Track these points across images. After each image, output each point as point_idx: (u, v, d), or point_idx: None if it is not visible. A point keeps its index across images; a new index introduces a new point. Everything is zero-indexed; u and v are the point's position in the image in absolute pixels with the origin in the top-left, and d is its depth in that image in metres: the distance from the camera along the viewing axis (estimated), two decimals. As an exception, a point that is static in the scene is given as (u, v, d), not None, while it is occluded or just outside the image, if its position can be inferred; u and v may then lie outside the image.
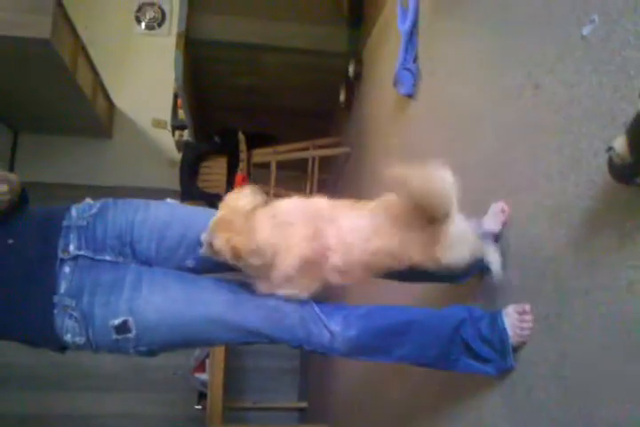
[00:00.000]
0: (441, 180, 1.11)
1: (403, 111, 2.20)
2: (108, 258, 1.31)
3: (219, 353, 3.69)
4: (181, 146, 4.03)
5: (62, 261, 1.28)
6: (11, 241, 1.28)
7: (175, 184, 4.00)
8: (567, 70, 1.14)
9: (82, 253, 1.29)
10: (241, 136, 3.24)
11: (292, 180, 4.04)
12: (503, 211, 1.37)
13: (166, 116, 4.38)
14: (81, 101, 3.96)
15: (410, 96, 2.04)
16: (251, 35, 3.18)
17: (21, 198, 1.39)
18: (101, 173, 4.61)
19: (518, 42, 1.36)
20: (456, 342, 1.30)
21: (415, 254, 1.19)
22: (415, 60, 2.06)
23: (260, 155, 3.29)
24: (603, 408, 0.99)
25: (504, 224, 1.35)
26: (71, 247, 1.30)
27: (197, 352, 3.97)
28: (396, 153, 2.34)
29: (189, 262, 1.38)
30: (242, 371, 4.55)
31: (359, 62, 3.10)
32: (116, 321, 1.24)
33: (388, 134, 2.47)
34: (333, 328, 1.32)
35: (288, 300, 1.28)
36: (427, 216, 1.16)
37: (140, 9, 4.82)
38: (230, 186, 3.28)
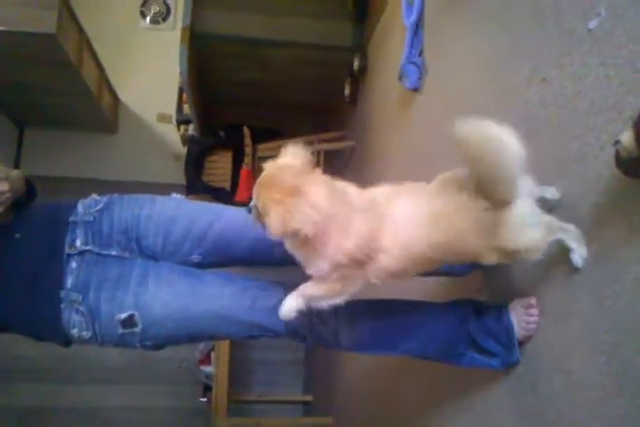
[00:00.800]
0: (503, 139, 0.93)
1: (408, 105, 2.20)
2: (114, 253, 1.32)
3: (223, 346, 3.70)
4: (187, 140, 4.04)
5: (69, 256, 1.29)
6: (18, 235, 1.29)
7: (180, 178, 4.01)
8: (574, 64, 1.14)
9: (88, 248, 1.30)
10: (246, 130, 3.24)
11: (297, 174, 4.04)
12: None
13: (171, 110, 4.39)
14: (86, 96, 3.97)
15: (415, 90, 2.03)
16: (256, 29, 3.17)
17: (29, 193, 1.40)
18: (107, 167, 4.62)
19: (525, 36, 1.36)
20: (462, 335, 1.30)
21: (476, 245, 1.04)
22: (421, 53, 2.05)
23: (265, 149, 3.29)
24: (609, 401, 0.99)
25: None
26: (78, 242, 1.30)
27: (202, 345, 3.99)
28: (401, 147, 2.34)
29: (195, 257, 1.38)
30: (247, 364, 4.57)
31: (364, 56, 3.09)
32: (123, 316, 1.25)
33: (393, 128, 2.46)
34: (338, 324, 1.33)
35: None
36: (488, 192, 0.99)
37: (144, 3, 4.81)
38: (235, 180, 3.28)
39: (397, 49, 2.27)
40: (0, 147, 4.49)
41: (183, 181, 3.90)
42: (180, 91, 4.05)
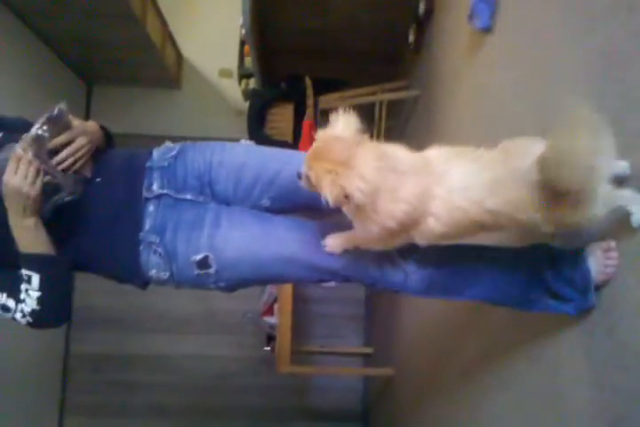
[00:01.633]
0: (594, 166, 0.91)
1: (478, 48, 2.10)
2: (189, 197, 1.36)
3: (286, 298, 3.79)
4: (248, 95, 4.04)
5: (147, 199, 1.34)
6: (98, 180, 1.34)
7: (243, 134, 4.04)
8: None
9: (165, 191, 1.35)
10: (308, 81, 3.20)
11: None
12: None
13: (232, 65, 4.38)
14: (151, 51, 4.02)
15: (486, 30, 1.94)
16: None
17: (107, 141, 1.45)
18: (171, 123, 4.70)
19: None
20: (534, 281, 1.27)
21: (534, 216, 1.04)
22: (493, -9, 1.94)
23: (327, 101, 3.25)
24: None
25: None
26: (155, 186, 1.35)
27: (265, 297, 4.09)
28: (470, 94, 2.26)
29: (265, 202, 1.41)
30: (308, 316, 4.67)
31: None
32: (198, 257, 1.29)
33: (461, 74, 2.37)
34: (408, 267, 1.33)
35: None
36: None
37: (205, -45, 4.75)
38: (298, 132, 3.27)
39: (467, -11, 2.16)
40: (71, 104, 4.64)
41: (246, 136, 3.92)
42: (242, 44, 4.03)
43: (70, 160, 1.28)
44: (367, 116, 3.56)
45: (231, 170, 1.38)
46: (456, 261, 1.34)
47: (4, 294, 1.25)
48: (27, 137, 1.20)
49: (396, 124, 3.63)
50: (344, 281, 1.39)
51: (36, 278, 1.23)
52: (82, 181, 1.31)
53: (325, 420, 4.69)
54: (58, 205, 1.26)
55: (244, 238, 1.31)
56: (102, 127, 1.44)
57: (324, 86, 3.34)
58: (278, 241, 1.32)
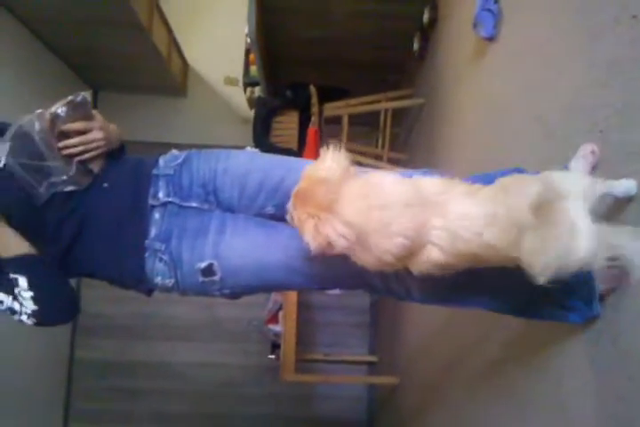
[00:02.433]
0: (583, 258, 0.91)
1: (482, 57, 2.11)
2: (194, 205, 1.36)
3: (291, 306, 3.78)
4: (253, 103, 4.06)
5: (152, 207, 1.34)
6: (106, 185, 1.35)
7: (248, 142, 4.05)
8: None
9: (170, 199, 1.35)
10: (312, 89, 3.21)
11: (364, 134, 4.00)
12: (593, 152, 1.27)
13: (238, 74, 4.41)
14: (157, 59, 4.05)
15: (490, 39, 1.95)
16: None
17: (120, 149, 1.46)
18: (176, 131, 4.73)
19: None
20: (537, 291, 1.26)
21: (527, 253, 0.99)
22: (497, 0, 1.95)
23: (332, 108, 3.26)
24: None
25: (593, 167, 1.28)
26: (160, 194, 1.35)
27: (270, 304, 4.09)
28: (474, 102, 2.27)
29: (269, 209, 1.40)
30: (313, 324, 4.66)
31: (434, 8, 2.97)
32: (202, 264, 1.29)
33: (466, 82, 2.38)
34: (411, 277, 1.32)
35: None
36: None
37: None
38: (302, 140, 3.28)
39: (470, -2, 2.17)
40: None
41: (251, 144, 3.94)
42: (247, 52, 4.05)
43: (80, 148, 1.28)
44: (372, 123, 3.58)
45: (236, 178, 1.38)
46: (458, 270, 1.34)
47: (10, 297, 1.26)
48: (40, 111, 1.18)
49: (400, 131, 3.64)
50: (348, 289, 1.39)
51: (22, 280, 1.23)
52: (88, 174, 1.31)
53: (330, 428, 4.68)
54: (56, 192, 1.25)
55: (248, 246, 1.31)
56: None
57: (329, 94, 3.36)
58: (282, 249, 1.32)
